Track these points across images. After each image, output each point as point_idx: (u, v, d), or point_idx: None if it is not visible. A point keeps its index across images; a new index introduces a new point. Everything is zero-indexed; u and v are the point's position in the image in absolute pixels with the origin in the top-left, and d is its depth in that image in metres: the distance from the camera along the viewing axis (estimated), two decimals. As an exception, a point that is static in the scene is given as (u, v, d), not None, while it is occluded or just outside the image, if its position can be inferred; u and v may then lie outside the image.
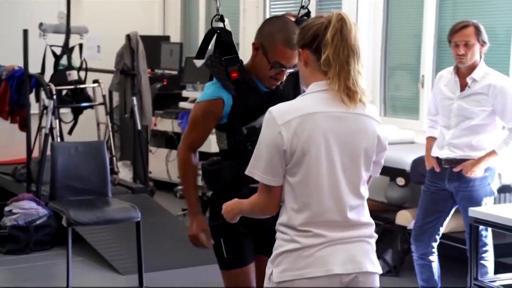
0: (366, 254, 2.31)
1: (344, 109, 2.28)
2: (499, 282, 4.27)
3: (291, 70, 2.90)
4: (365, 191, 2.35)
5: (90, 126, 7.08)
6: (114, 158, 6.90)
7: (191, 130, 3.01)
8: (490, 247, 4.44)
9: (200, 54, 3.01)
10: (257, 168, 2.32)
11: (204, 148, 3.26)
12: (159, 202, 6.90)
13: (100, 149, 4.51)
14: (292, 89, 3.01)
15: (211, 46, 3.02)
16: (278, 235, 2.33)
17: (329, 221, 2.26)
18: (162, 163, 8.20)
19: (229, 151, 2.98)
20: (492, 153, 4.25)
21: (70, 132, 6.86)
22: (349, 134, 2.30)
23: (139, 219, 4.18)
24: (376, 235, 2.37)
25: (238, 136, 2.92)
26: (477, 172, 4.17)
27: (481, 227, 4.29)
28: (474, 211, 4.08)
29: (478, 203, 4.27)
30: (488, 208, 4.21)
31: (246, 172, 2.35)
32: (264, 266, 2.89)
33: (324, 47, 2.25)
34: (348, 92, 2.26)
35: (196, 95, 7.44)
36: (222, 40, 2.94)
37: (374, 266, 2.32)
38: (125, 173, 7.62)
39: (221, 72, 2.89)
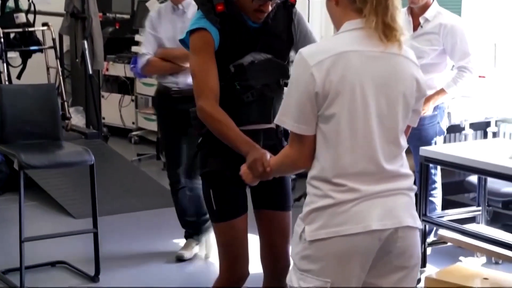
0: (405, 207, 2.13)
1: (381, 49, 2.09)
2: (446, 218, 4.39)
3: (277, 1, 2.71)
4: (403, 141, 2.17)
5: (40, 71, 6.94)
6: (66, 104, 6.80)
7: (200, 75, 2.67)
8: (438, 185, 4.55)
9: None
10: (287, 115, 2.12)
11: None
12: (114, 148, 6.85)
13: (50, 92, 4.42)
14: (285, 28, 2.79)
15: None
16: (309, 190, 2.15)
17: (364, 172, 2.08)
18: (115, 109, 8.11)
19: None
20: (441, 91, 4.32)
21: (18, 77, 6.72)
22: (387, 77, 2.10)
23: (92, 163, 4.14)
24: (415, 187, 2.20)
25: (225, 74, 2.69)
26: (426, 110, 4.23)
27: (431, 165, 4.38)
28: (424, 151, 4.15)
29: (428, 142, 4.35)
30: (437, 147, 4.29)
31: (275, 121, 2.17)
32: (267, 220, 2.82)
33: None
34: (386, 29, 2.07)
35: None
36: None
37: (415, 220, 2.15)
38: (77, 119, 7.52)
39: (206, 4, 2.69)
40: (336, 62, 2.07)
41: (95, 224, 4.26)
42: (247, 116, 2.73)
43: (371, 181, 2.09)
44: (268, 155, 2.42)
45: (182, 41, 2.77)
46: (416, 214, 2.17)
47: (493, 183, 4.47)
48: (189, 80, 3.20)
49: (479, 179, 4.42)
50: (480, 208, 4.44)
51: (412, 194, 2.17)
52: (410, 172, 2.17)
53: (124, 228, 5.20)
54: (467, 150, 4.14)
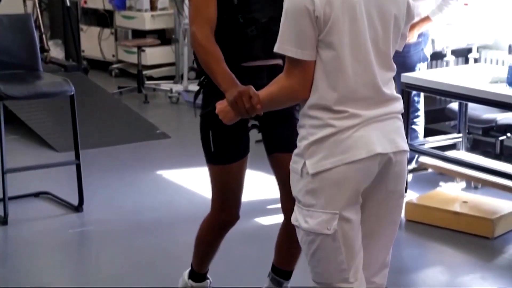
0: (398, 131, 2.13)
1: None
2: (427, 145, 4.43)
3: None
4: (394, 64, 2.16)
5: (16, 3, 6.80)
6: (44, 36, 6.69)
7: (198, 1, 2.52)
8: (421, 113, 4.57)
9: None
10: (287, 42, 2.03)
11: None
12: (94, 81, 6.79)
13: (26, 22, 4.33)
14: None
15: None
16: (305, 121, 2.09)
17: (364, 98, 2.05)
18: (94, 42, 8.00)
19: (219, 27, 2.55)
20: (426, 19, 4.30)
21: (-6, 9, 6.59)
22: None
23: (72, 93, 4.10)
24: (402, 110, 2.20)
25: (227, 6, 2.53)
26: (410, 38, 4.21)
27: (413, 92, 4.39)
28: (406, 77, 4.15)
29: (412, 68, 4.35)
30: (418, 74, 4.30)
31: (275, 50, 2.07)
32: (283, 164, 2.53)
33: None
34: None
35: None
36: None
37: (406, 144, 2.17)
38: (56, 52, 7.43)
39: None
40: None
41: (77, 156, 4.25)
42: (251, 51, 2.58)
43: (370, 106, 2.07)
44: (253, 89, 2.23)
45: None
46: (405, 137, 2.19)
47: (473, 110, 4.50)
48: None
49: (460, 105, 4.44)
50: (460, 135, 4.48)
51: (401, 117, 2.18)
52: (399, 95, 2.18)
53: (107, 161, 5.20)
54: (448, 76, 4.15)
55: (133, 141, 5.64)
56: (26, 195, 4.43)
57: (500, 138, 4.59)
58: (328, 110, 2.04)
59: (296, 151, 2.11)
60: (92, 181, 4.60)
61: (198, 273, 2.94)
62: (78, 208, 4.23)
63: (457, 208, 3.95)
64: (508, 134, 4.56)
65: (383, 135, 2.08)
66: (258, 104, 2.14)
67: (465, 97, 4.01)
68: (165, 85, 7.28)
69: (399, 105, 2.16)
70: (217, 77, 2.42)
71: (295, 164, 2.11)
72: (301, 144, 2.09)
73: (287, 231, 2.72)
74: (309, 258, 2.11)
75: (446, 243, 3.69)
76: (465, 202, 4.03)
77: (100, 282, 3.44)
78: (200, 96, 2.73)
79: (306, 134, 2.07)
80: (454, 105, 4.59)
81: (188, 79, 7.30)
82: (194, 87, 7.24)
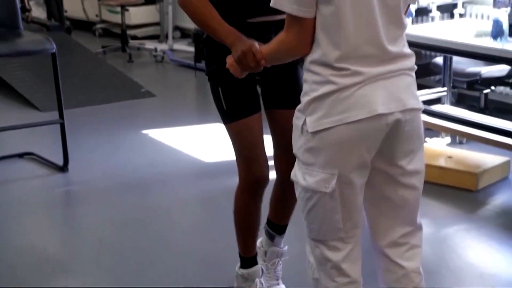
0: (408, 88, 2.01)
1: None
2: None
3: None
4: (405, 20, 2.04)
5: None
6: (25, -5, 6.60)
7: None
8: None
9: None
10: None
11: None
12: (77, 40, 6.73)
13: (5, -21, 4.26)
14: None
15: None
16: (308, 77, 2.01)
17: (367, 55, 1.95)
18: (77, 2, 7.90)
19: None
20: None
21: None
22: None
23: (54, 51, 4.05)
24: (416, 67, 2.07)
25: None
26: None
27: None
28: (390, 32, 4.13)
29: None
30: (404, 28, 4.27)
31: (272, 4, 1.99)
32: (281, 120, 2.54)
33: None
34: None
35: None
36: None
37: (418, 101, 2.05)
38: (38, 12, 7.34)
39: None
40: None
41: (61, 115, 4.22)
42: (257, 6, 2.45)
43: (374, 63, 1.96)
44: (257, 44, 2.18)
45: None
46: (417, 94, 2.06)
47: (458, 64, 4.49)
48: None
49: (444, 59, 4.43)
50: (445, 89, 4.48)
51: (413, 74, 2.05)
52: (412, 52, 2.06)
53: (92, 120, 5.18)
54: (433, 30, 4.13)
55: (117, 100, 5.61)
56: (10, 155, 4.41)
57: (485, 91, 4.59)
58: (329, 67, 1.96)
59: (298, 106, 2.05)
60: (77, 141, 4.58)
61: (246, 258, 2.75)
62: (63, 168, 4.22)
63: (442, 163, 3.97)
64: (493, 87, 4.57)
65: (390, 93, 1.97)
66: (262, 60, 2.13)
67: (450, 51, 4.00)
68: (150, 44, 7.22)
69: (410, 62, 2.03)
70: (218, 34, 2.36)
71: (297, 120, 2.05)
72: (303, 99, 2.02)
73: (281, 189, 2.69)
74: (305, 214, 2.08)
75: (431, 197, 3.71)
76: (449, 157, 4.05)
77: (88, 241, 3.44)
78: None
79: (309, 90, 2.00)
80: (439, 60, 4.58)
81: (173, 38, 7.24)
82: (179, 46, 7.19)
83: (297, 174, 2.07)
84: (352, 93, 1.94)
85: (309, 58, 2.00)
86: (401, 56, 2.00)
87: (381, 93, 1.96)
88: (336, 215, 2.03)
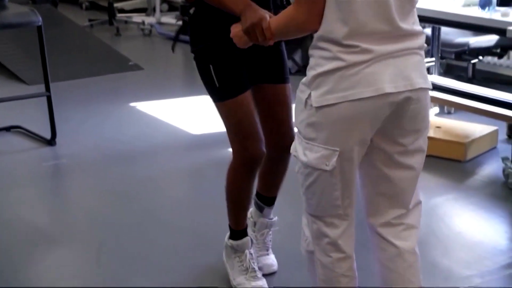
0: (417, 67, 1.97)
1: None
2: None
3: None
4: None
5: None
6: (10, -32, 6.51)
7: None
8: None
9: None
10: None
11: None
12: (64, 14, 6.66)
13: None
14: None
15: None
16: (315, 52, 1.96)
17: (377, 32, 1.90)
18: (63, -26, 7.83)
19: None
20: None
21: None
22: None
23: (40, 23, 4.00)
24: (426, 45, 2.02)
25: None
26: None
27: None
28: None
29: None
30: None
31: None
32: (267, 94, 2.49)
33: None
34: None
35: None
36: None
37: (426, 81, 2.00)
38: (24, -15, 7.25)
39: None
40: None
41: (47, 88, 4.19)
42: None
43: (385, 41, 1.91)
44: (268, 16, 2.10)
45: None
46: (426, 74, 2.02)
47: (446, 35, 4.48)
48: None
49: (433, 30, 4.42)
50: (433, 59, 4.47)
51: (423, 53, 2.02)
52: (422, 29, 2.00)
53: (79, 93, 5.15)
54: (421, 0, 4.11)
55: (105, 73, 5.58)
56: (-3, 129, 4.39)
57: (473, 61, 4.60)
58: (337, 43, 1.90)
59: (303, 80, 2.01)
60: (65, 114, 4.55)
61: (237, 231, 2.72)
62: (51, 141, 4.20)
63: (430, 133, 3.94)
64: (480, 57, 4.57)
65: (398, 72, 1.92)
66: (270, 38, 2.06)
67: (438, 21, 3.99)
68: (137, 18, 7.16)
69: (420, 40, 1.99)
70: (227, 2, 2.27)
71: (301, 93, 2.00)
72: (309, 73, 1.96)
73: (270, 162, 2.66)
74: (304, 189, 2.06)
75: (419, 167, 3.73)
76: (438, 127, 4.05)
77: (76, 213, 3.44)
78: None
79: (314, 65, 1.96)
80: (427, 30, 4.56)
81: (161, 11, 7.19)
82: (167, 19, 7.14)
83: (297, 148, 2.03)
84: (360, 70, 1.89)
85: (317, 34, 1.94)
86: (412, 34, 1.96)
87: (389, 72, 1.91)
88: (335, 192, 2.01)
